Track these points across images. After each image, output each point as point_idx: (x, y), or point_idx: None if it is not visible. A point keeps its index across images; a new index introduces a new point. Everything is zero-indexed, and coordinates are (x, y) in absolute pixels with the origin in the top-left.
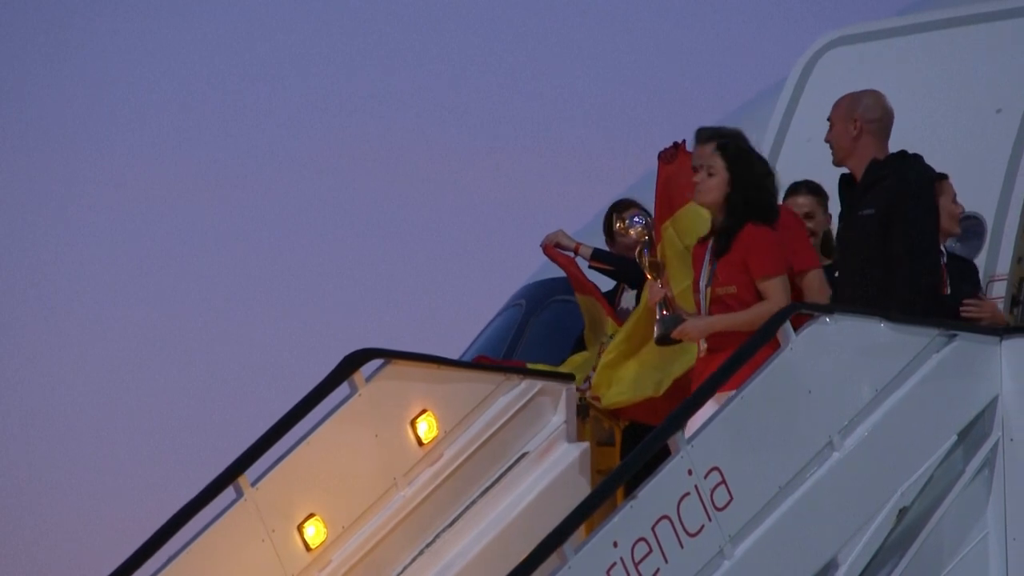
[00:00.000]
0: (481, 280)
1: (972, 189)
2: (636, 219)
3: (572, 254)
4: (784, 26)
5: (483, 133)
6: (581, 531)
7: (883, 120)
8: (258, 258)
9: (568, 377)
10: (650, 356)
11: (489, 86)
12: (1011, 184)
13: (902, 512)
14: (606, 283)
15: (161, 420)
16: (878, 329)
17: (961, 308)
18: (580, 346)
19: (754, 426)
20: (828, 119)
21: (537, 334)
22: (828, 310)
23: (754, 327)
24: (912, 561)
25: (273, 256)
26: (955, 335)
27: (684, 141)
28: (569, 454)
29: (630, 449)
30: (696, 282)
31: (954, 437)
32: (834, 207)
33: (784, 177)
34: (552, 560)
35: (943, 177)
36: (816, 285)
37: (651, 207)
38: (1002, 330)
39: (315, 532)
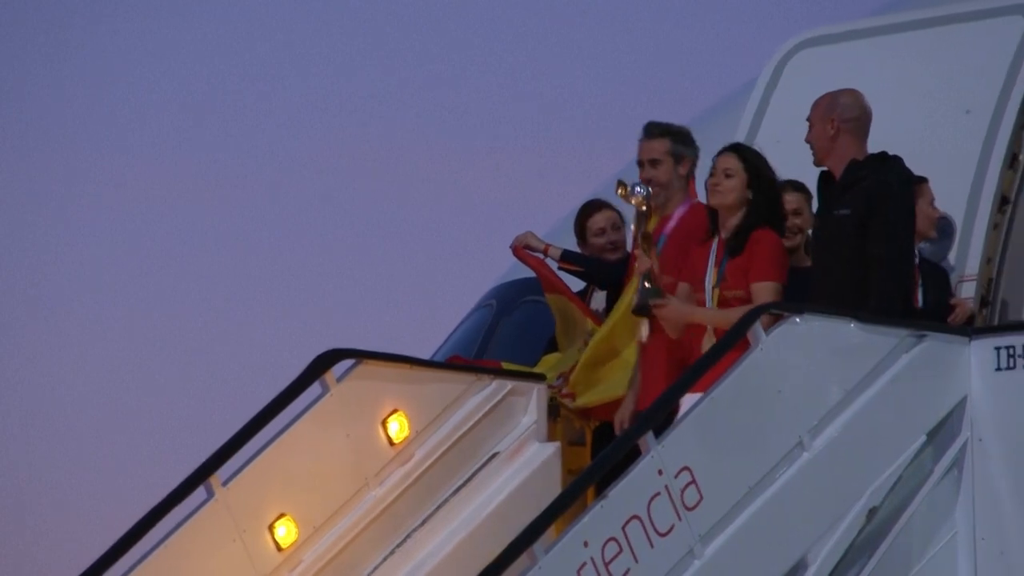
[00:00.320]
0: (481, 280)
1: (942, 190)
2: (638, 188)
3: (542, 255)
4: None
5: (483, 133)
6: (552, 531)
7: (861, 119)
8: (258, 258)
9: (539, 377)
10: (628, 358)
11: (489, 86)
12: (980, 185)
13: (871, 512)
14: (575, 284)
15: (161, 420)
16: (848, 329)
17: (950, 321)
18: (552, 347)
19: (724, 426)
20: (807, 119)
21: (507, 335)
22: (798, 310)
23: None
24: (881, 561)
25: (273, 256)
26: (924, 335)
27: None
28: (540, 454)
29: (601, 449)
30: (700, 280)
31: (923, 437)
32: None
33: None
34: (522, 560)
35: (922, 180)
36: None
37: (619, 205)
38: (971, 331)
39: (286, 532)
